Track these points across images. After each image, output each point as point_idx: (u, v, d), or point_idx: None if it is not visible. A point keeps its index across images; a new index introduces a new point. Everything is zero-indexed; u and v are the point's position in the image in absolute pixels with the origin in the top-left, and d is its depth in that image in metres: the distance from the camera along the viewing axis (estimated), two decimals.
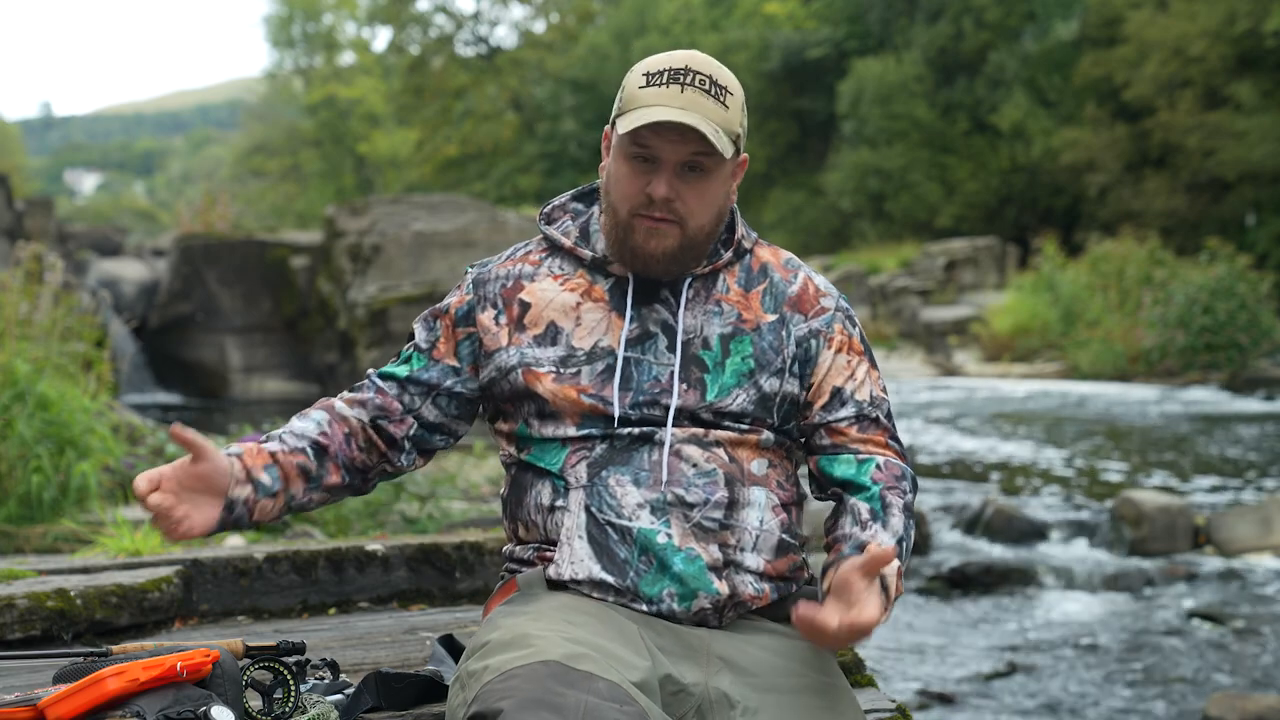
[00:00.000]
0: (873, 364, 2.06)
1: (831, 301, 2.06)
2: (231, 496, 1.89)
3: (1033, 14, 32.20)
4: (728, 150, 1.90)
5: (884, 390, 2.07)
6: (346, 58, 50.14)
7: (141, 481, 1.82)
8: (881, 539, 1.91)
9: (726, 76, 1.93)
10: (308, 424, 2.01)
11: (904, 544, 1.94)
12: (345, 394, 2.06)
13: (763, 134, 35.91)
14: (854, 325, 2.06)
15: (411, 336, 2.08)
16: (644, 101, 1.90)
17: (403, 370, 2.05)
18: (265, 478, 1.93)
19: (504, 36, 49.19)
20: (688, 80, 1.89)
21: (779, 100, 36.41)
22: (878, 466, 1.99)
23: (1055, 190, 30.41)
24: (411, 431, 2.03)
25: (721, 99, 1.90)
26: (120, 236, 26.53)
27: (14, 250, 7.17)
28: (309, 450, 1.98)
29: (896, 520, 1.95)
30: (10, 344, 5.74)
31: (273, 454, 1.95)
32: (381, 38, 54.63)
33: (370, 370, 2.09)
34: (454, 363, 2.04)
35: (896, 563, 1.87)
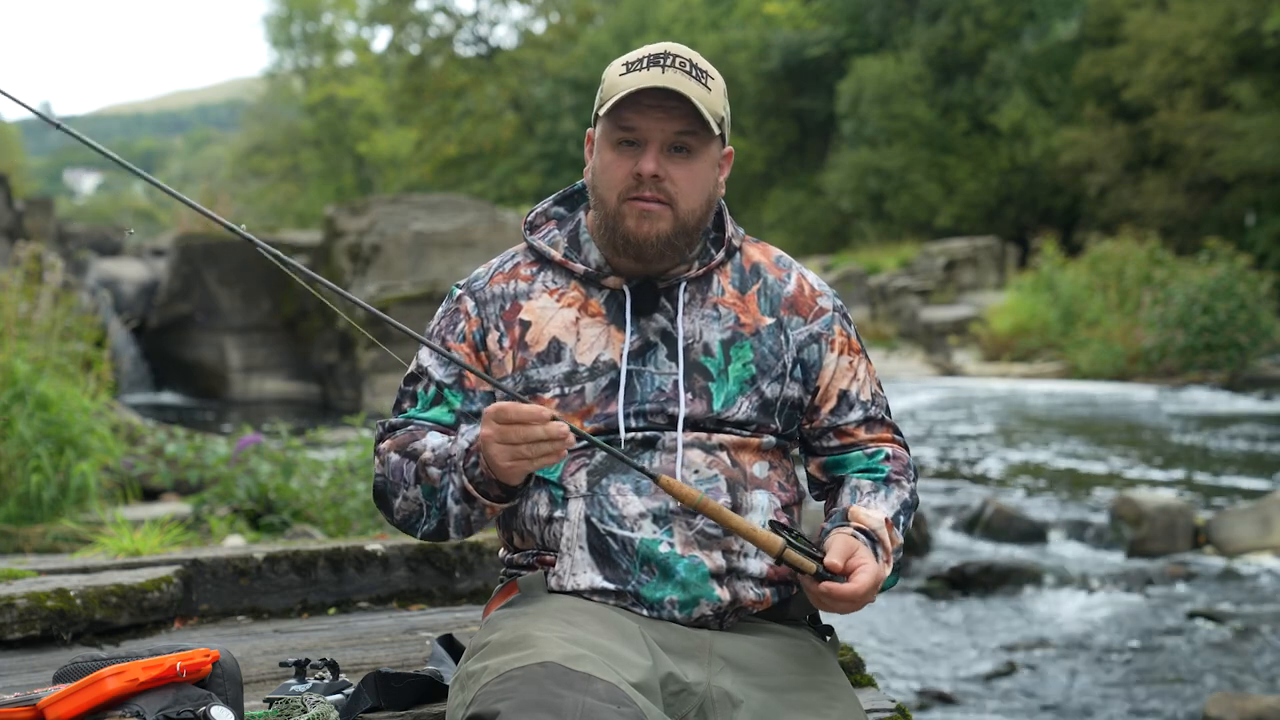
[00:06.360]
0: (868, 359, 2.10)
1: (828, 301, 2.06)
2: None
3: (1032, 14, 32.14)
4: (714, 126, 1.90)
5: (879, 384, 2.10)
6: (346, 58, 50.05)
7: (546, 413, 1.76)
8: (876, 507, 1.96)
9: (707, 64, 1.94)
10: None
11: (901, 518, 1.99)
12: (431, 439, 1.94)
13: (763, 134, 35.88)
14: (850, 323, 2.08)
15: (417, 377, 2.01)
16: (625, 85, 1.89)
17: (444, 414, 1.97)
18: None
19: (504, 36, 49.14)
20: (668, 62, 1.89)
21: (779, 100, 36.38)
22: (887, 456, 2.04)
23: (1055, 190, 30.37)
24: None
25: (703, 81, 1.90)
26: (120, 236, 26.48)
27: (14, 250, 7.16)
28: None
29: (896, 496, 2.00)
30: (10, 344, 5.73)
31: None
32: (381, 38, 54.49)
33: (399, 418, 1.99)
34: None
35: (882, 515, 1.94)
